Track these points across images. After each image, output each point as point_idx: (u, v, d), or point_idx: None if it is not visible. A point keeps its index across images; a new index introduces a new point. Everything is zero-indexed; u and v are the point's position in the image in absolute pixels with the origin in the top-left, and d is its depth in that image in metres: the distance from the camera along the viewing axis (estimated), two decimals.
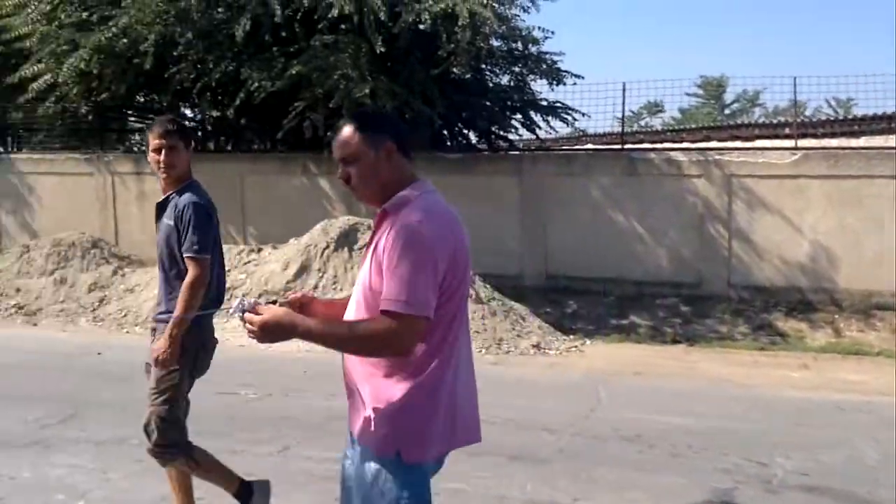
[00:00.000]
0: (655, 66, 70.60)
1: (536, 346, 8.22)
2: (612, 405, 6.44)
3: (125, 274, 10.03)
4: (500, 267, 10.54)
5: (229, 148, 14.01)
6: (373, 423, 2.22)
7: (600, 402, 6.51)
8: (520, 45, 11.49)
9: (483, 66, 11.92)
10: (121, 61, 11.30)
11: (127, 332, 8.99)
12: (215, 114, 12.02)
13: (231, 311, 2.28)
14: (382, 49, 9.92)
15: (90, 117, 13.48)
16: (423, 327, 2.14)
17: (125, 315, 9.28)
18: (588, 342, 8.79)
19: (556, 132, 13.32)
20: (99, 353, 7.83)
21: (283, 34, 10.74)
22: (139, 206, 12.40)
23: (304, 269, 9.13)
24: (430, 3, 9.94)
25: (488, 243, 10.50)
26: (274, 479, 4.73)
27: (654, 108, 31.94)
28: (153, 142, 3.60)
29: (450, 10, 9.86)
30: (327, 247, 9.27)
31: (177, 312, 3.53)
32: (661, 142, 16.33)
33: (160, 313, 3.76)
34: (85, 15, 11.43)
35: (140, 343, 8.37)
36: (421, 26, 10.30)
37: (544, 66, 11.59)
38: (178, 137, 3.64)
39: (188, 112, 14.97)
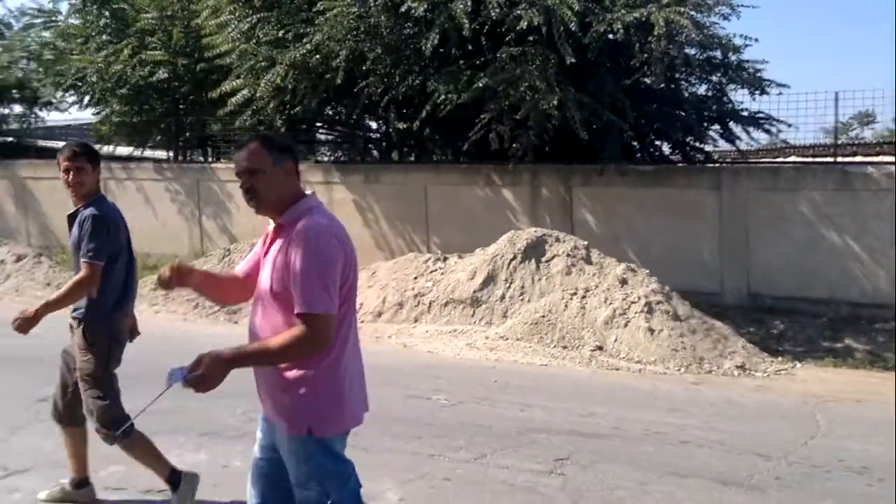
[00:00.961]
0: (866, 74, 66.15)
1: (741, 366, 7.86)
2: (832, 433, 6.02)
3: None
4: (697, 283, 10.24)
5: (412, 159, 14.45)
6: (288, 407, 2.68)
7: (819, 430, 6.11)
8: (719, 53, 11.12)
9: (678, 75, 11.64)
10: (313, 76, 11.90)
11: None
12: (401, 126, 12.43)
13: (170, 382, 2.59)
14: (572, 60, 9.89)
15: (283, 130, 14.34)
16: (334, 323, 2.60)
17: None
18: (798, 365, 8.31)
19: (758, 143, 12.80)
20: None
21: (470, 47, 10.95)
22: None
23: (490, 279, 9.23)
24: (623, 12, 9.82)
25: (684, 258, 10.21)
26: (473, 486, 4.81)
27: (866, 118, 29.74)
28: (62, 163, 4.20)
29: (644, 19, 9.69)
30: (514, 258, 9.33)
31: (51, 297, 4.16)
32: (876, 154, 15.28)
33: (74, 310, 4.25)
34: (281, 33, 12.12)
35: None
36: (612, 36, 10.19)
37: (745, 75, 11.16)
38: (85, 160, 4.23)
39: (373, 124, 15.63)
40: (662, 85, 11.24)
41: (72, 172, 4.21)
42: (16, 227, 16.58)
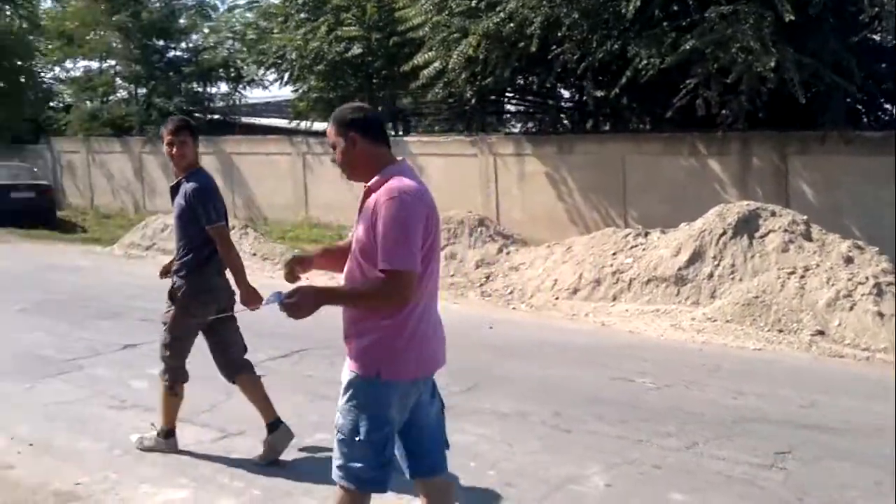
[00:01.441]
0: None
1: None
2: None
3: (510, 252, 10.49)
4: None
5: (607, 128, 14.05)
6: (363, 350, 2.91)
7: None
8: None
9: None
10: (505, 45, 11.79)
11: (513, 308, 9.37)
12: (598, 94, 12.09)
13: (267, 302, 2.98)
14: (791, 17, 9.14)
15: (473, 101, 14.38)
16: (415, 279, 2.79)
17: (511, 292, 9.70)
18: None
19: None
20: (490, 328, 8.23)
21: (675, 8, 10.41)
22: (519, 186, 12.92)
23: (697, 256, 8.76)
24: None
25: None
26: (686, 476, 4.54)
27: None
28: (166, 137, 4.60)
29: None
30: (724, 233, 8.79)
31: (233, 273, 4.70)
32: None
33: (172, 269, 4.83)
34: (473, 3, 12.09)
35: (528, 320, 8.75)
36: None
37: None
38: (186, 134, 4.60)
39: (566, 93, 15.33)
40: (895, 42, 10.21)
41: (175, 146, 4.59)
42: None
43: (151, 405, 5.70)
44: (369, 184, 2.92)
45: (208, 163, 18.08)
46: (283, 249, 12.32)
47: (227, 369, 4.90)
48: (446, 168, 13.94)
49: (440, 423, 3.16)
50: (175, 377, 4.82)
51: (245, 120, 22.43)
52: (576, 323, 8.64)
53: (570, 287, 9.35)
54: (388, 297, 2.82)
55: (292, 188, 16.56)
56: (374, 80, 16.58)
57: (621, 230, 10.12)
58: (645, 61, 10.25)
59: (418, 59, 13.06)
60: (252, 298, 4.56)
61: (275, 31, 17.06)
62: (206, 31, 21.31)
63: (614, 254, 9.45)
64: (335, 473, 2.98)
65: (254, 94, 22.56)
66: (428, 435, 3.11)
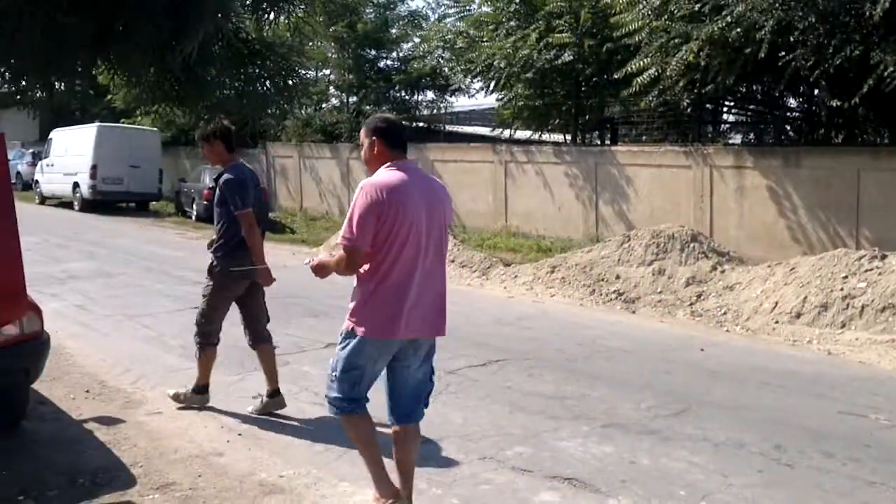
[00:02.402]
0: None
1: None
2: None
3: (724, 270, 9.93)
4: None
5: (839, 140, 13.03)
6: (350, 311, 3.77)
7: None
8: None
9: None
10: (729, 52, 11.22)
11: (727, 330, 8.82)
12: (833, 103, 11.22)
13: (305, 262, 4.04)
14: None
15: (689, 110, 13.81)
16: (361, 253, 3.65)
17: (724, 313, 9.15)
18: None
19: None
20: (702, 350, 7.79)
21: None
22: (737, 200, 12.23)
23: None
24: None
25: None
26: None
27: None
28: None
29: None
30: None
31: (252, 252, 5.50)
32: None
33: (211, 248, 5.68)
34: (697, 7, 11.61)
35: (743, 344, 8.21)
36: None
37: None
38: (203, 142, 5.62)
39: (793, 102, 14.40)
40: None
41: (203, 150, 5.72)
42: None
43: None
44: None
45: None
46: (481, 258, 12.39)
47: (253, 338, 5.82)
48: (657, 180, 13.48)
49: (424, 384, 4.02)
50: (207, 340, 5.71)
51: (449, 128, 22.93)
52: (798, 350, 8.00)
53: (792, 311, 8.68)
54: (338, 265, 3.78)
55: (492, 196, 16.67)
56: (583, 88, 16.39)
57: (854, 252, 9.27)
58: (892, 68, 9.38)
59: (632, 65, 12.76)
60: (265, 276, 5.60)
61: (484, 39, 17.28)
62: (417, 40, 22.00)
63: (845, 277, 8.67)
64: (327, 403, 4.03)
65: (459, 102, 23.05)
66: (408, 391, 3.96)
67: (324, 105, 23.62)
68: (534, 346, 7.66)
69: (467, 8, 19.06)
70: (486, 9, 17.98)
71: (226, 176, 5.51)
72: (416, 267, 3.72)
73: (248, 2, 3.69)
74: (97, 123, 23.54)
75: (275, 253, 15.13)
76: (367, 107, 21.58)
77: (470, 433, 5.29)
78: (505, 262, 12.52)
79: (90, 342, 7.16)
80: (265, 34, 7.62)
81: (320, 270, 3.90)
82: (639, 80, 12.62)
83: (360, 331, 3.72)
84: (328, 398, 3.95)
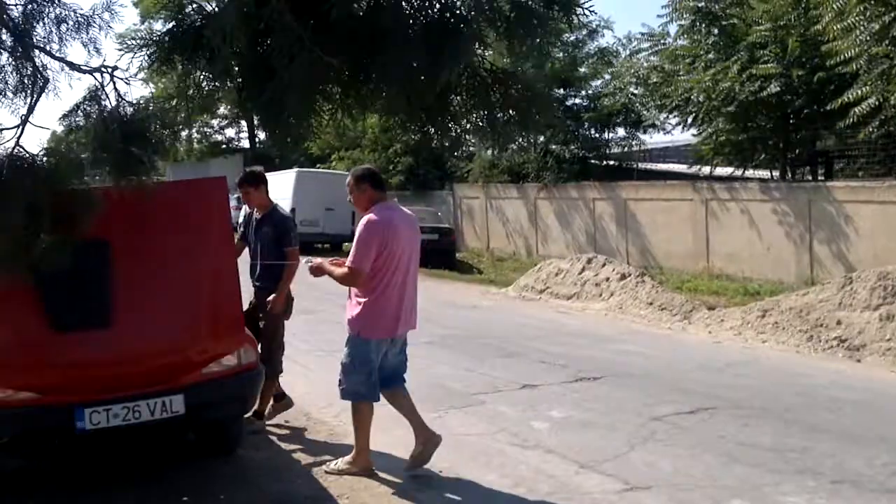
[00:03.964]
0: None
1: None
2: None
3: None
4: None
5: None
6: (353, 318, 5.13)
7: None
8: None
9: None
10: None
11: None
12: None
13: (305, 261, 5.42)
14: None
15: None
16: (363, 275, 5.01)
17: None
18: None
19: None
20: None
21: None
22: None
23: None
24: None
25: None
26: None
27: None
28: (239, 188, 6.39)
29: None
30: None
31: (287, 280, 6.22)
32: None
33: (258, 282, 6.30)
34: None
35: None
36: None
37: None
38: (247, 186, 6.32)
39: None
40: None
41: (243, 195, 6.39)
42: (615, 246, 17.94)
43: (553, 447, 5.79)
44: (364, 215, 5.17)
45: (602, 208, 18.50)
46: (682, 300, 12.00)
47: (267, 354, 6.00)
48: (880, 217, 12.61)
49: (401, 365, 5.36)
50: (276, 372, 6.23)
51: (642, 165, 22.57)
52: None
53: None
54: (346, 281, 5.10)
55: (692, 236, 16.18)
56: (791, 121, 15.68)
57: None
58: None
59: (849, 95, 12.17)
60: (282, 302, 6.21)
61: (681, 73, 16.96)
62: (608, 77, 21.88)
63: None
64: (340, 395, 5.26)
65: (652, 139, 22.66)
66: (389, 371, 5.25)
67: (510, 146, 23.94)
68: (747, 394, 7.29)
69: (662, 42, 18.77)
70: (682, 42, 17.66)
71: (281, 215, 6.45)
72: (405, 281, 5.13)
73: (501, 28, 3.78)
74: (296, 169, 25.03)
75: (465, 292, 15.43)
76: (555, 146, 21.63)
77: (681, 483, 5.10)
78: (709, 305, 12.06)
79: (294, 376, 7.54)
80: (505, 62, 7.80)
81: (318, 271, 5.25)
82: (857, 110, 12.05)
83: (368, 335, 5.09)
84: (346, 390, 5.18)
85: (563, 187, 20.10)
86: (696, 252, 16.05)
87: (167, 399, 4.71)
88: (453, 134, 4.44)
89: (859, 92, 11.98)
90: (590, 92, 22.20)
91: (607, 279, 13.35)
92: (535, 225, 20.88)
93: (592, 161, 21.46)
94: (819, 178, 16.35)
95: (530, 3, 3.82)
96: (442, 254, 20.05)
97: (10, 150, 3.19)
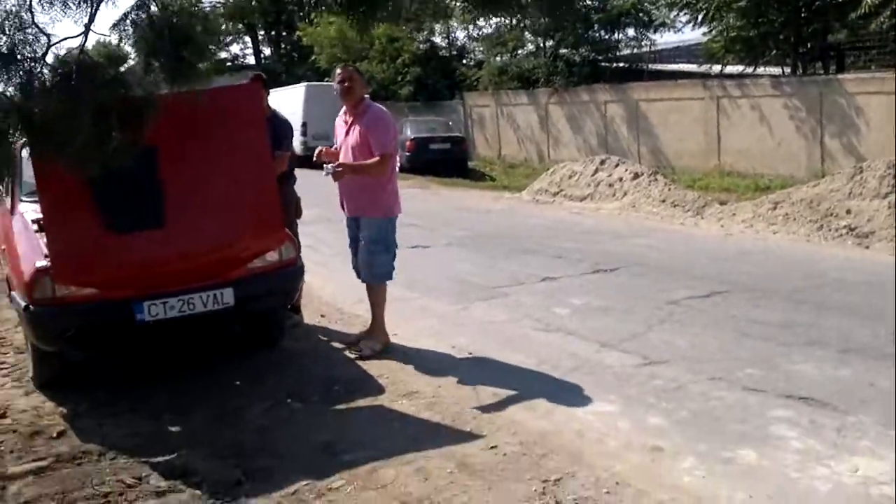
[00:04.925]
0: None
1: None
2: None
3: None
4: None
5: None
6: (380, 202, 5.70)
7: None
8: None
9: None
10: None
11: None
12: None
13: (325, 172, 5.61)
14: None
15: None
16: (395, 159, 5.77)
17: None
18: None
19: None
20: None
21: None
22: None
23: None
24: None
25: None
26: None
27: None
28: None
29: None
30: None
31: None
32: None
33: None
34: None
35: None
36: None
37: None
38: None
39: None
40: None
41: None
42: (627, 148, 18.15)
43: (574, 329, 6.20)
44: (357, 108, 5.75)
45: (613, 110, 18.62)
46: (694, 197, 12.30)
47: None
48: (890, 107, 12.75)
49: None
50: None
51: (652, 66, 22.53)
52: None
53: None
54: (383, 168, 5.62)
55: (703, 135, 16.37)
56: (803, 14, 15.65)
57: None
58: None
59: None
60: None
61: None
62: None
63: None
64: (373, 278, 5.80)
65: (662, 39, 22.56)
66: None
67: (519, 52, 23.87)
68: (757, 279, 7.66)
69: None
70: None
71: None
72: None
73: None
74: (305, 83, 25.06)
75: (478, 198, 15.76)
76: (565, 49, 21.61)
77: (697, 356, 5.49)
78: (720, 201, 12.37)
79: (325, 277, 7.95)
80: None
81: (341, 175, 5.59)
82: (868, 1, 12.00)
83: (394, 212, 5.75)
84: (382, 272, 5.76)
85: (573, 91, 20.17)
86: (707, 150, 16.26)
87: (218, 292, 5.09)
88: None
89: None
90: None
91: (620, 179, 13.64)
92: (547, 130, 21.03)
93: (602, 64, 21.46)
94: (830, 72, 16.39)
95: None
96: (454, 162, 20.32)
97: (76, 57, 3.46)
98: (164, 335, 5.27)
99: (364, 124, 5.69)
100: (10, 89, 3.33)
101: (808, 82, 14.79)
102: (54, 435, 4.69)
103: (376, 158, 5.60)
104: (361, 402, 5.01)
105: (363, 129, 5.69)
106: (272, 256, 5.45)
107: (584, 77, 20.34)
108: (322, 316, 6.89)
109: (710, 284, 7.35)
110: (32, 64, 3.29)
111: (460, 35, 27.25)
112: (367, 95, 5.89)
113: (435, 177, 19.30)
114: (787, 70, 16.90)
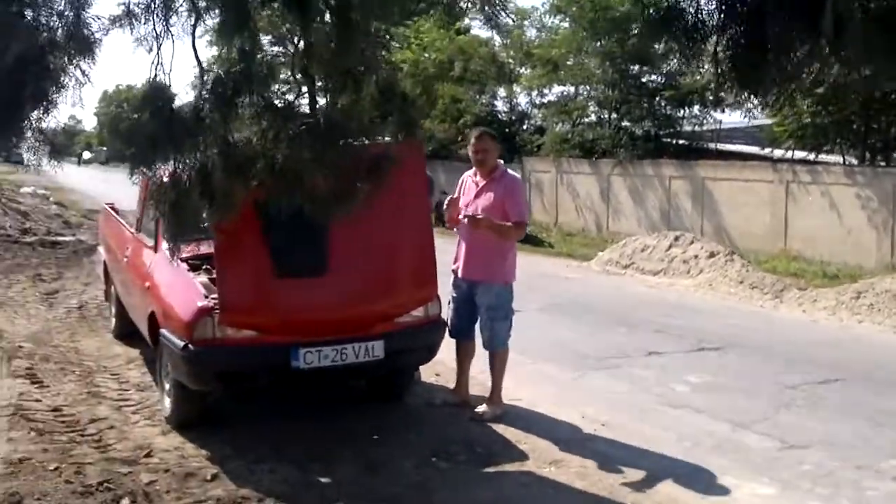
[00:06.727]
0: None
1: None
2: None
3: None
4: None
5: None
6: (501, 269, 5.84)
7: None
8: None
9: None
10: None
11: None
12: None
13: (463, 216, 5.81)
14: None
15: None
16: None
17: None
18: None
19: None
20: None
21: None
22: None
23: None
24: None
25: None
26: None
27: None
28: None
29: None
30: None
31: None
32: None
33: None
34: None
35: None
36: None
37: None
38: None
39: None
40: None
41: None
42: (690, 225, 18.07)
43: (701, 407, 6.12)
44: (493, 174, 5.88)
45: (678, 186, 18.62)
46: (772, 280, 12.21)
47: None
48: None
49: None
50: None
51: (720, 146, 22.55)
52: None
53: None
54: (518, 235, 5.89)
55: (770, 217, 16.30)
56: (875, 105, 15.66)
57: None
58: None
59: None
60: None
61: None
62: None
63: None
64: (498, 346, 5.86)
65: (728, 119, 22.60)
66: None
67: (583, 121, 24.06)
68: (866, 367, 7.56)
69: None
70: None
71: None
72: None
73: None
74: None
75: (549, 265, 15.69)
76: (628, 123, 21.73)
77: (836, 443, 5.43)
78: (798, 286, 12.24)
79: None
80: None
81: (479, 224, 5.66)
82: None
83: (512, 278, 5.87)
84: (502, 339, 5.85)
85: (638, 164, 20.22)
86: (773, 233, 16.17)
87: (370, 344, 5.11)
88: None
89: None
90: (666, 69, 22.18)
91: (696, 256, 13.58)
92: (607, 201, 21.04)
93: (665, 139, 21.52)
94: (893, 163, 16.29)
95: None
96: None
97: (325, 111, 3.56)
98: (313, 382, 5.27)
99: (501, 190, 5.77)
100: (255, 137, 3.41)
101: (883, 173, 14.75)
102: (208, 478, 4.68)
103: (511, 223, 5.70)
104: (508, 468, 4.95)
105: (499, 194, 5.76)
106: (419, 312, 5.46)
107: (648, 151, 20.40)
108: (437, 374, 6.85)
109: (823, 371, 7.28)
110: (288, 114, 3.37)
111: (522, 100, 27.53)
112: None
113: None
114: (852, 160, 16.82)
